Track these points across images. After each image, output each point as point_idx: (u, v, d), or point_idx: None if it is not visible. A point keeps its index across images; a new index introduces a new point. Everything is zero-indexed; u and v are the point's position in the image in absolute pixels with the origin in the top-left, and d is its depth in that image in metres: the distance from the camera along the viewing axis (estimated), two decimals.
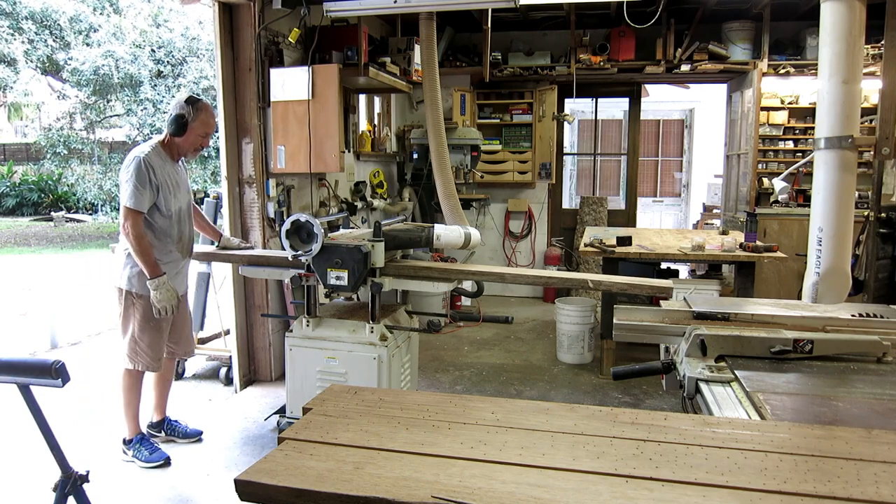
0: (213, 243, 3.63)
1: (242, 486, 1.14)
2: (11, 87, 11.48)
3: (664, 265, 4.97)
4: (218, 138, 4.09)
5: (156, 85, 11.45)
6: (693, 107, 10.76)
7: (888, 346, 1.77)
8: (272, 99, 4.10)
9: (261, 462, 1.20)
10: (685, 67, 6.16)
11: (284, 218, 3.12)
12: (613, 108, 10.18)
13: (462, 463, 1.19)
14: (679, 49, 6.16)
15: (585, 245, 4.40)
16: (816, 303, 1.97)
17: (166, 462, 3.16)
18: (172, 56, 11.45)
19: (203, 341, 4.54)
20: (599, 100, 7.45)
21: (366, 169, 5.80)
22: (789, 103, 6.37)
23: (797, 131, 6.39)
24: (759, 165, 6.29)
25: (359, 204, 5.34)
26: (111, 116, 12.60)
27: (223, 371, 4.36)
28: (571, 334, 4.79)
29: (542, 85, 6.72)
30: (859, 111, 1.92)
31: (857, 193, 2.82)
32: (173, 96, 11.10)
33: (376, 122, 6.31)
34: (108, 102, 12.10)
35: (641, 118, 7.46)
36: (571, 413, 1.42)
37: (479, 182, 6.80)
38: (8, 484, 2.99)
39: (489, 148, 6.73)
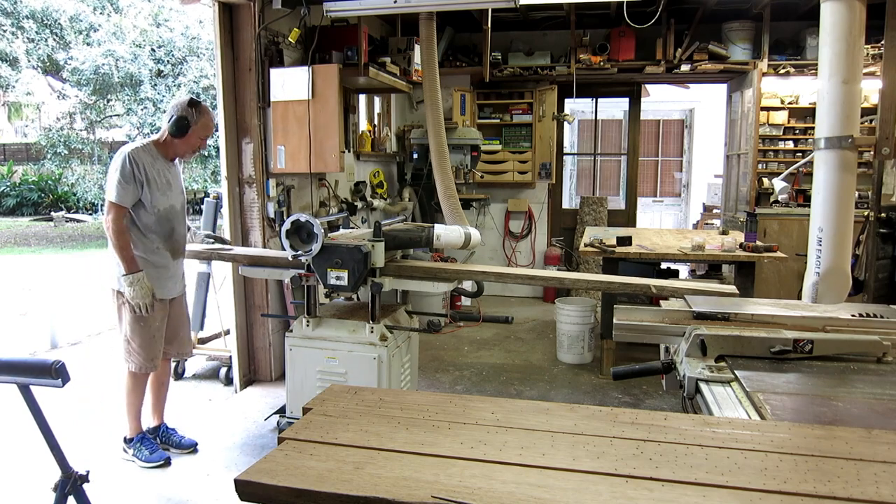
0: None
1: (242, 486, 1.14)
2: (13, 87, 11.47)
3: (664, 265, 4.97)
4: (218, 138, 4.09)
5: (156, 84, 11.45)
6: (693, 107, 10.76)
7: (888, 346, 1.77)
8: (272, 99, 4.10)
9: (261, 462, 1.20)
10: (685, 67, 6.16)
11: (284, 218, 3.12)
12: (613, 108, 10.18)
13: (462, 463, 1.19)
14: (679, 49, 6.16)
15: (585, 245, 4.40)
16: (816, 303, 1.97)
17: (166, 462, 3.16)
18: (172, 55, 11.45)
19: (203, 341, 4.54)
20: (599, 100, 7.45)
21: (366, 169, 5.80)
22: (789, 103, 6.37)
23: (797, 131, 6.38)
24: (759, 165, 6.29)
25: (359, 204, 5.34)
26: (111, 116, 12.60)
27: (223, 371, 4.36)
28: (571, 334, 4.79)
29: (542, 85, 6.72)
30: (859, 111, 1.92)
31: (857, 193, 2.82)
32: (174, 96, 11.12)
33: (376, 122, 6.31)
34: (108, 102, 12.11)
35: (641, 118, 7.46)
36: (571, 413, 1.42)
37: (479, 182, 6.80)
38: (8, 484, 2.99)
39: (489, 148, 6.73)
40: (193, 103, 3.06)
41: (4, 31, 10.79)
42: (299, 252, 2.99)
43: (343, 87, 4.29)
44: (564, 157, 8.43)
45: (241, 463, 3.21)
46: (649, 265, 4.73)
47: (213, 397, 4.16)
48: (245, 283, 4.22)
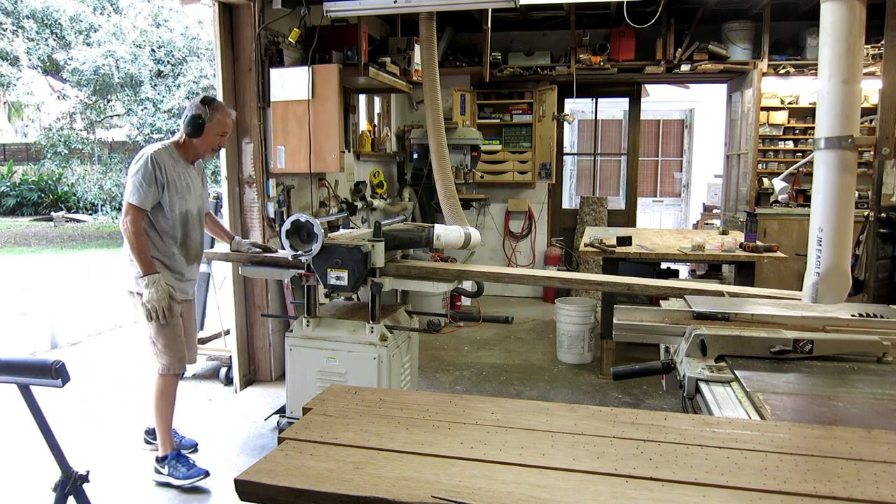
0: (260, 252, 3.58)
1: (242, 486, 1.14)
2: (14, 86, 11.46)
3: (664, 265, 4.98)
4: None
5: (156, 85, 11.45)
6: (693, 107, 10.76)
7: (888, 346, 1.77)
8: (272, 99, 4.10)
9: (261, 462, 1.20)
10: (685, 67, 6.16)
11: (284, 218, 3.12)
12: (613, 108, 10.17)
13: (462, 463, 1.19)
14: (679, 49, 6.16)
15: (585, 245, 4.41)
16: (816, 303, 1.97)
17: (205, 476, 3.01)
18: (172, 56, 11.44)
19: (203, 341, 4.53)
20: (599, 100, 7.46)
21: (366, 169, 5.80)
22: (789, 103, 6.37)
23: (797, 131, 6.39)
24: (759, 165, 6.29)
25: (359, 204, 5.34)
26: (111, 116, 12.59)
27: (223, 371, 4.36)
28: (571, 334, 4.79)
29: (542, 85, 6.72)
30: (859, 111, 1.92)
31: (857, 193, 2.82)
32: (174, 96, 11.12)
33: (376, 122, 6.31)
34: (108, 102, 12.09)
35: (641, 118, 7.46)
36: (571, 413, 1.42)
37: (479, 182, 6.80)
38: (8, 484, 2.99)
39: (489, 148, 6.74)
40: (207, 101, 3.01)
41: (5, 30, 10.79)
42: (299, 252, 2.99)
43: (343, 87, 4.29)
44: (564, 157, 8.43)
45: (240, 463, 3.21)
46: (649, 265, 4.73)
47: (213, 397, 4.16)
48: (245, 283, 4.22)
